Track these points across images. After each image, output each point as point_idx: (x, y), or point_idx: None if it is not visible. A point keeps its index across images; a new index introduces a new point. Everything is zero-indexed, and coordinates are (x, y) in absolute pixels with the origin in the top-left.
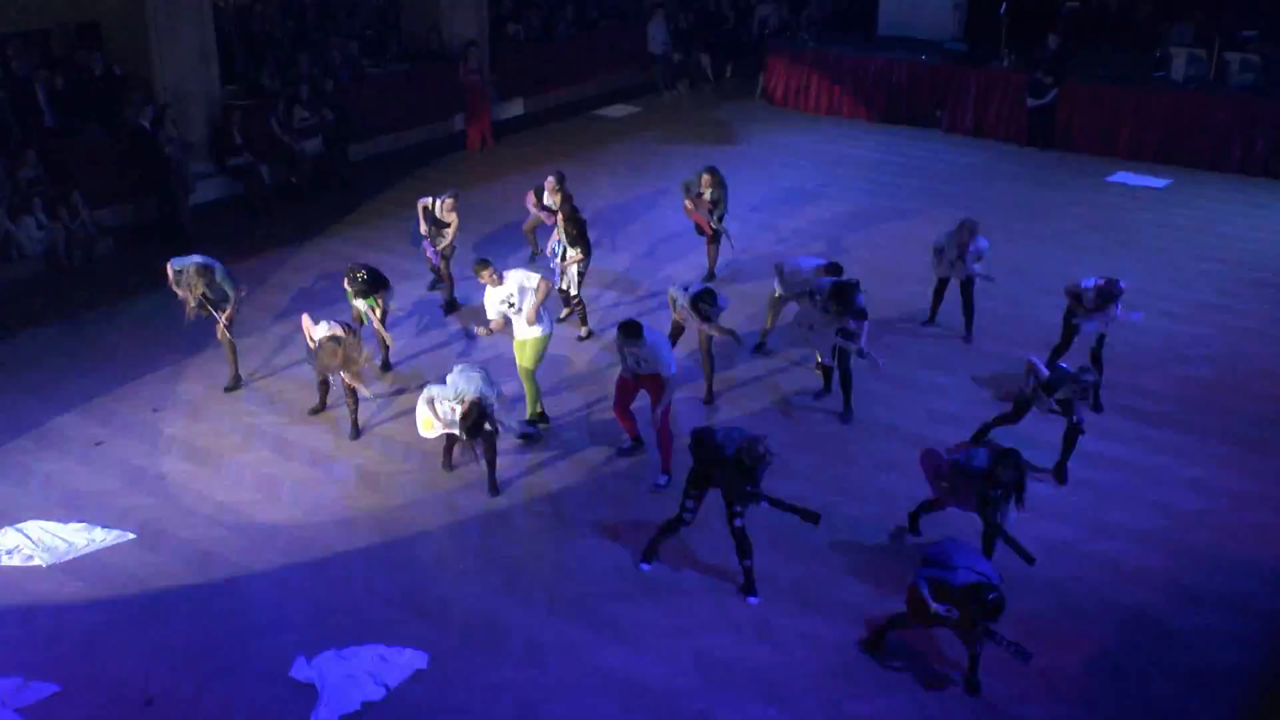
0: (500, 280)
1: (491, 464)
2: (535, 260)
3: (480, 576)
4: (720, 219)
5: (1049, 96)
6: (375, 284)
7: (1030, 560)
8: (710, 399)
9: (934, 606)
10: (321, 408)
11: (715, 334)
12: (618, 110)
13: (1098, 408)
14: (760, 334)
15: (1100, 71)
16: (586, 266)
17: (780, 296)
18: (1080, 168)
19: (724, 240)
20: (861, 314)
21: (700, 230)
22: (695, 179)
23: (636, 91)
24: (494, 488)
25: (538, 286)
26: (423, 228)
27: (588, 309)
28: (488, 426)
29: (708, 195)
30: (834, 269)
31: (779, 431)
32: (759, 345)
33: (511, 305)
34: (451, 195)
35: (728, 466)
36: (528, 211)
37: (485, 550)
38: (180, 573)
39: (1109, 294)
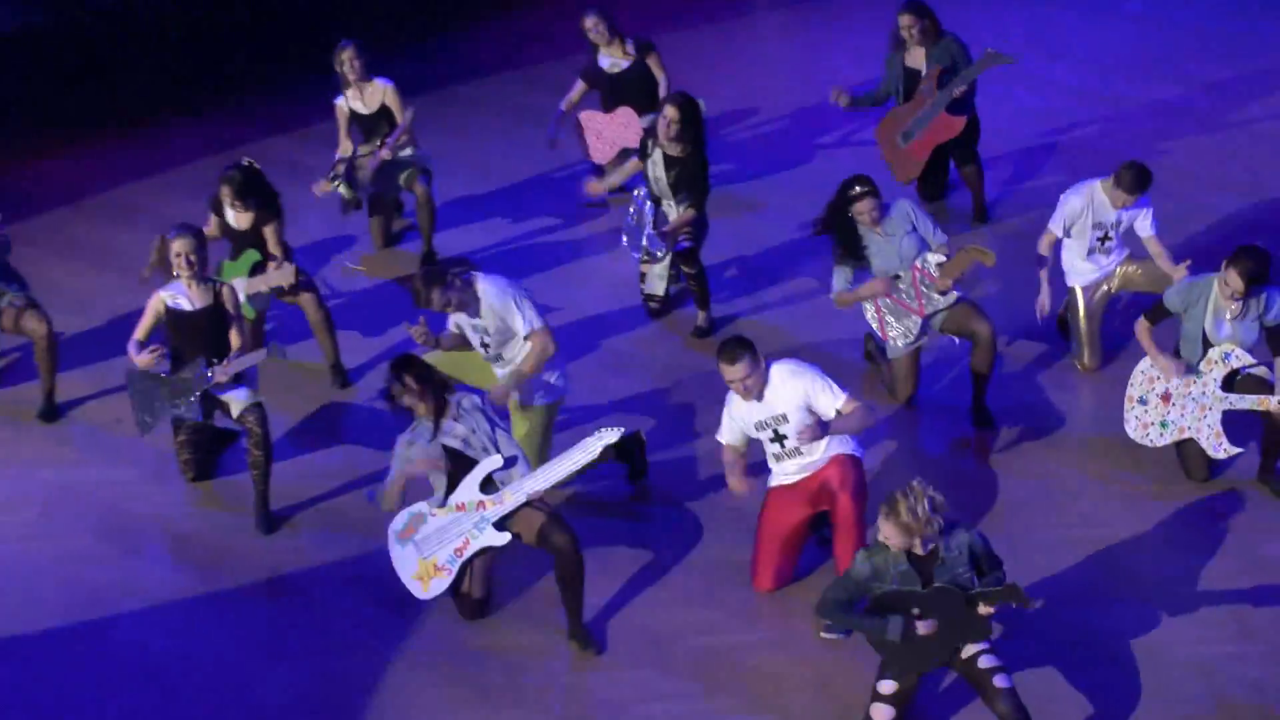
0: (463, 302)
1: (577, 589)
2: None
3: None
4: (964, 93)
5: None
6: (263, 198)
7: None
8: (982, 415)
9: None
10: (193, 473)
11: (967, 263)
12: None
13: None
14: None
15: None
16: (702, 236)
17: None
18: None
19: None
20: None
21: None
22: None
23: None
24: (580, 635)
25: (531, 336)
26: (341, 126)
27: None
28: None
29: (923, 59)
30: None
31: (1097, 504)
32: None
33: (486, 345)
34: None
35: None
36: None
37: None
38: None
39: None
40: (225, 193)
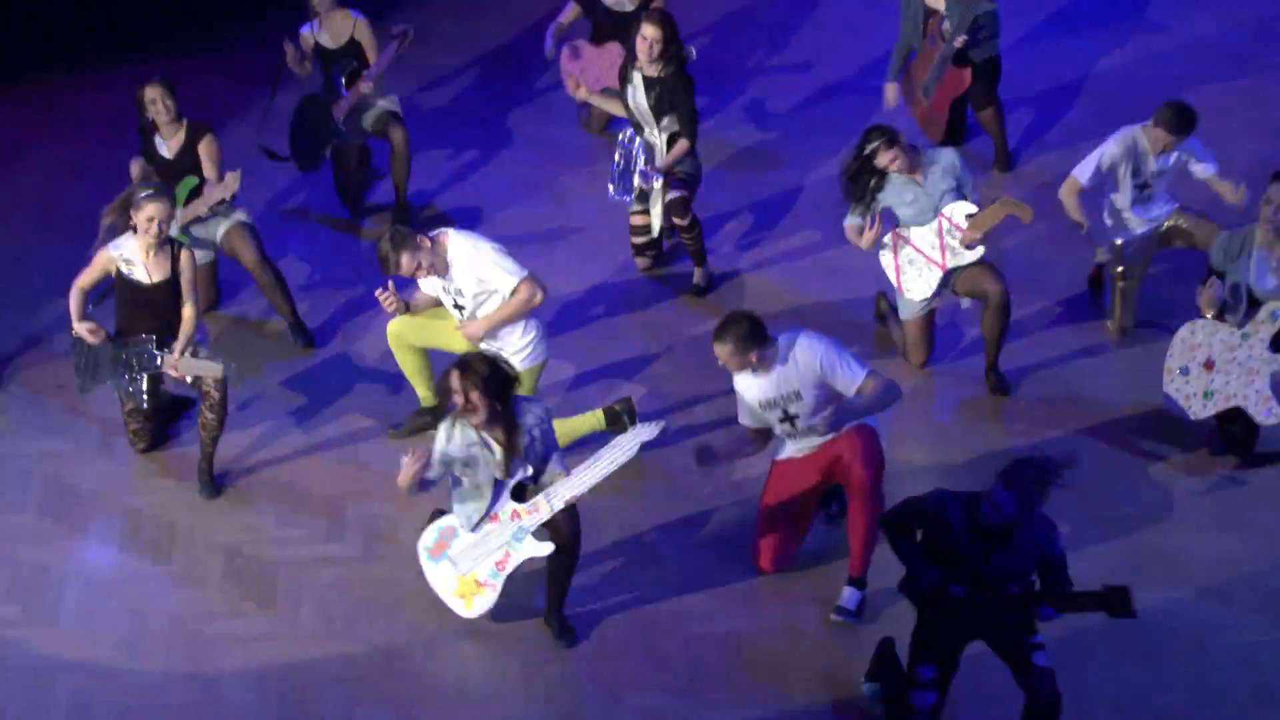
0: (434, 265)
1: (566, 579)
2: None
3: None
4: (980, 42)
5: None
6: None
7: None
8: (997, 381)
9: None
10: (146, 442)
11: (1000, 216)
12: None
13: None
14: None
15: None
16: (695, 186)
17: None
18: None
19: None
20: None
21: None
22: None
23: None
24: (555, 622)
25: (520, 285)
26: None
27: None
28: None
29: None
30: None
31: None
32: (1089, 284)
33: (460, 306)
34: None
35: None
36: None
37: None
38: None
39: None
40: (156, 95)
